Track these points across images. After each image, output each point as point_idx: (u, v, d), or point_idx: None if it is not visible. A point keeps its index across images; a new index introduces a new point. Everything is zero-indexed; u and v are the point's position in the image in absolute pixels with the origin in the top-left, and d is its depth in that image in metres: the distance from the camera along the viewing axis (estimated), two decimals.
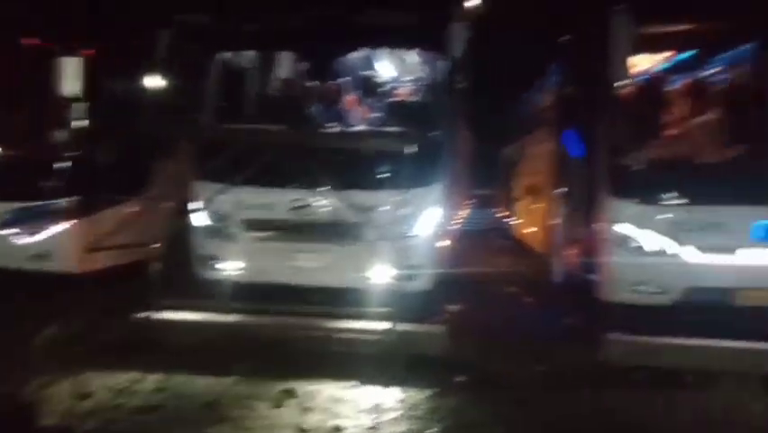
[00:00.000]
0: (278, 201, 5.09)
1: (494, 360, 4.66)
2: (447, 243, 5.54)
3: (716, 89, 5.80)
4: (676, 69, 6.34)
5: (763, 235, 4.68)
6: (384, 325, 4.51)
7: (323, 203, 5.01)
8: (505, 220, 11.90)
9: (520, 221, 9.94)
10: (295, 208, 5.04)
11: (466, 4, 6.64)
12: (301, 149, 5.05)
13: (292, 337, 4.56)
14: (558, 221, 6.63)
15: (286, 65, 6.13)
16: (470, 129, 11.93)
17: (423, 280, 5.02)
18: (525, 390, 4.19)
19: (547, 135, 7.62)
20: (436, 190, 5.09)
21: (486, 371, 4.50)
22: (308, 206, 5.02)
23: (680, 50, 6.00)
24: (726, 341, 4.41)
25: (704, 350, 4.40)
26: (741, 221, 4.73)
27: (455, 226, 8.31)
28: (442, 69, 5.22)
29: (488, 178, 15.11)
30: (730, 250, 4.77)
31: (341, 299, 4.86)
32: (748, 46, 5.24)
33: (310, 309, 4.80)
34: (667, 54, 6.16)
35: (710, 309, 4.77)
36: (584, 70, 5.87)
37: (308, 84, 6.05)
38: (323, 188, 4.96)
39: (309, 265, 5.04)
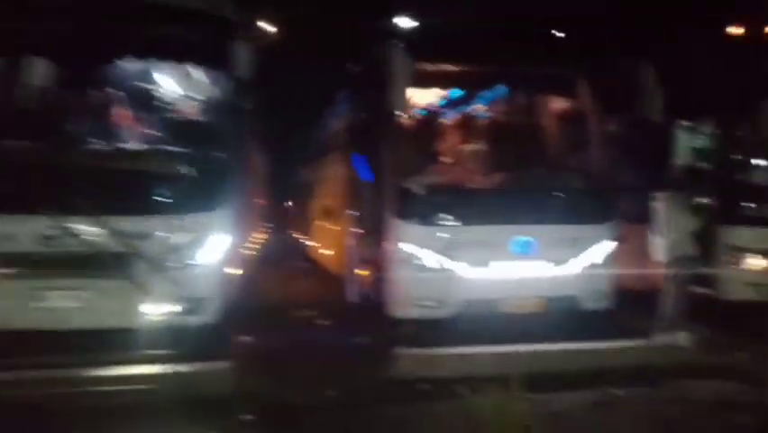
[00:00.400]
0: (24, 230, 4.21)
1: (286, 391, 4.44)
2: (236, 270, 5.20)
3: (482, 123, 6.56)
4: (451, 103, 7.04)
5: (520, 250, 5.35)
6: (158, 368, 4.00)
7: (84, 231, 4.28)
8: (302, 242, 11.87)
9: (317, 243, 9.98)
10: (47, 238, 4.21)
11: (260, 24, 6.46)
12: (56, 168, 4.29)
13: (40, 396, 3.75)
14: (351, 242, 6.76)
15: (41, 70, 5.19)
16: (265, 152, 11.71)
17: (207, 313, 4.59)
18: (317, 418, 4.05)
19: (340, 159, 7.78)
20: (222, 215, 4.73)
21: (277, 404, 4.24)
22: (65, 235, 4.24)
23: (453, 86, 6.68)
24: (496, 347, 4.89)
25: (477, 357, 4.81)
26: (505, 238, 5.33)
27: (248, 252, 7.96)
28: (228, 87, 4.91)
29: (286, 200, 15.07)
30: (497, 264, 5.35)
31: (106, 344, 4.19)
32: (507, 88, 6.00)
33: (63, 360, 4.03)
34: (443, 89, 6.82)
35: (482, 319, 5.27)
36: (370, 99, 6.12)
37: (69, 94, 5.20)
38: (84, 215, 4.24)
39: (64, 305, 4.24)
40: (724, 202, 5.95)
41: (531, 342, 5.04)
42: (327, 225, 8.78)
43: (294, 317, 7.09)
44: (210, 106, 4.93)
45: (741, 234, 5.85)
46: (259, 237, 10.41)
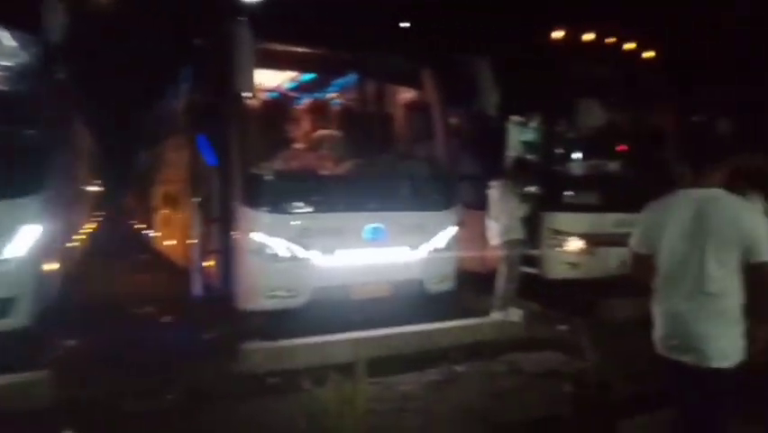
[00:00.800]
0: None
1: (119, 397, 4.02)
2: (54, 265, 4.56)
3: (333, 109, 6.52)
4: (301, 87, 6.89)
5: (371, 237, 5.42)
6: None
7: None
8: (143, 232, 10.90)
9: (159, 233, 9.22)
10: None
11: None
12: None
13: None
14: (196, 232, 6.32)
15: None
16: (98, 131, 10.50)
17: (17, 316, 3.96)
18: (156, 423, 3.73)
19: (184, 142, 7.22)
20: (35, 201, 4.09)
21: (108, 412, 3.82)
22: None
23: (303, 70, 6.52)
24: (346, 334, 4.93)
25: (327, 345, 4.80)
26: (356, 225, 5.36)
27: (75, 244, 7.09)
28: (38, 52, 4.23)
29: (123, 186, 13.74)
30: (348, 251, 5.36)
31: None
32: (357, 75, 5.98)
33: None
34: (293, 72, 6.63)
35: (333, 306, 5.26)
36: (215, 77, 5.73)
37: None
38: None
39: None
40: (547, 190, 6.62)
41: (381, 326, 5.16)
42: (171, 213, 8.14)
43: (132, 314, 6.50)
44: (15, 74, 4.21)
45: (561, 219, 6.57)
46: (90, 228, 9.36)
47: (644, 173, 7.11)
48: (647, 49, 7.28)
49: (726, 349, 2.50)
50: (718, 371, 2.48)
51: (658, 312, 2.69)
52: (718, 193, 2.61)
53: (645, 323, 5.82)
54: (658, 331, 2.69)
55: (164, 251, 8.76)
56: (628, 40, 7.19)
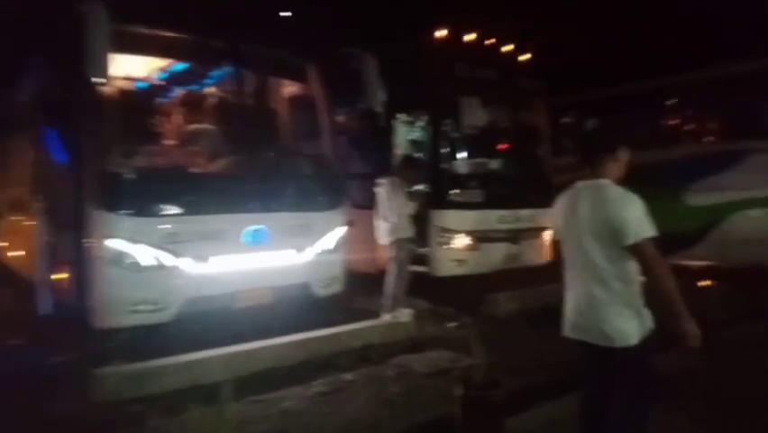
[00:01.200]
0: None
1: None
2: None
3: (207, 103, 5.98)
4: (173, 77, 6.25)
5: (252, 240, 5.00)
6: None
7: None
8: None
9: (4, 243, 8.01)
10: None
11: None
12: None
13: None
14: (44, 240, 5.48)
15: None
16: None
17: None
18: None
19: (29, 138, 6.28)
20: None
21: None
22: None
23: (171, 57, 5.88)
24: (221, 349, 4.47)
25: (199, 363, 4.31)
26: (234, 228, 4.91)
27: None
28: None
29: None
30: (225, 257, 4.89)
31: None
32: (233, 66, 5.49)
33: None
34: (163, 61, 5.97)
35: (210, 318, 4.77)
36: (63, 63, 4.99)
37: None
38: None
39: None
40: (434, 188, 6.61)
41: (265, 336, 4.77)
42: (17, 220, 7.07)
43: None
44: None
45: (448, 217, 6.59)
46: None
47: (523, 171, 7.40)
48: (523, 51, 7.58)
49: (625, 330, 2.61)
50: (618, 350, 2.60)
51: (566, 296, 2.81)
52: (600, 183, 2.72)
53: (530, 316, 6.00)
54: (566, 313, 2.80)
55: (9, 263, 7.61)
56: (507, 42, 7.44)
